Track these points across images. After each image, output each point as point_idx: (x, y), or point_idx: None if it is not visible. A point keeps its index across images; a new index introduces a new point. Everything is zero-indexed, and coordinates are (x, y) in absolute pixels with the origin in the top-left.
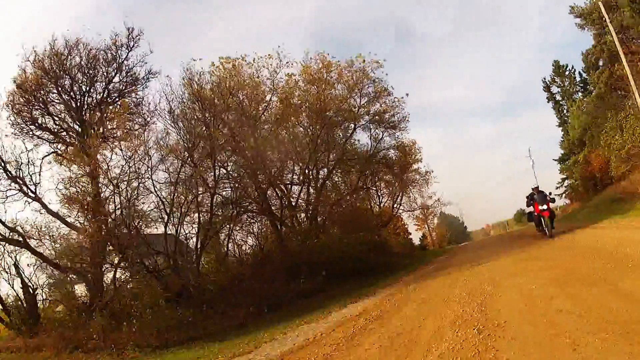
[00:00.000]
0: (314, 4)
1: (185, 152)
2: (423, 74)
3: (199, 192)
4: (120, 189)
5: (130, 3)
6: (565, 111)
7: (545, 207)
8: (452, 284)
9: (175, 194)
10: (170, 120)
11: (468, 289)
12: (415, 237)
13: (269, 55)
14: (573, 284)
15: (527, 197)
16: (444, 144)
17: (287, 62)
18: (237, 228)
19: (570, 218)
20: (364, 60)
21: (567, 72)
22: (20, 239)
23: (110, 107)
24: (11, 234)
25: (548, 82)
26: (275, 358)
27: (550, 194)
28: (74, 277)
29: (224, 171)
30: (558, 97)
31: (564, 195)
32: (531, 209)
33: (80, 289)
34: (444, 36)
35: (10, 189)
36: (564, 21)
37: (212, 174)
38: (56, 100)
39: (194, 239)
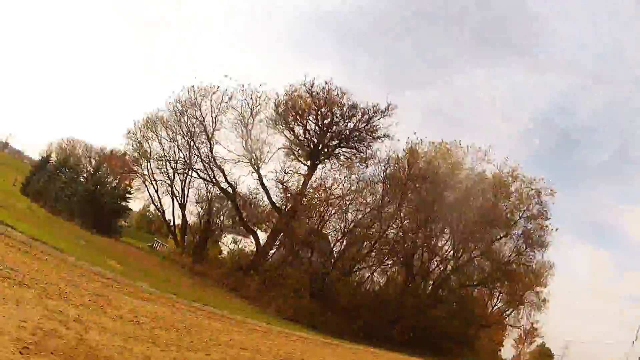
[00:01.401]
0: None
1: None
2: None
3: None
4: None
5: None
6: None
7: None
8: None
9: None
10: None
11: None
12: (508, 353)
13: (478, 148)
14: None
15: None
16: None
17: (486, 158)
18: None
19: None
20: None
21: None
22: (231, 192)
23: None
24: (228, 187)
25: None
26: None
27: None
28: (249, 238)
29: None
30: None
31: None
32: None
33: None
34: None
35: (243, 157)
36: None
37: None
38: (310, 119)
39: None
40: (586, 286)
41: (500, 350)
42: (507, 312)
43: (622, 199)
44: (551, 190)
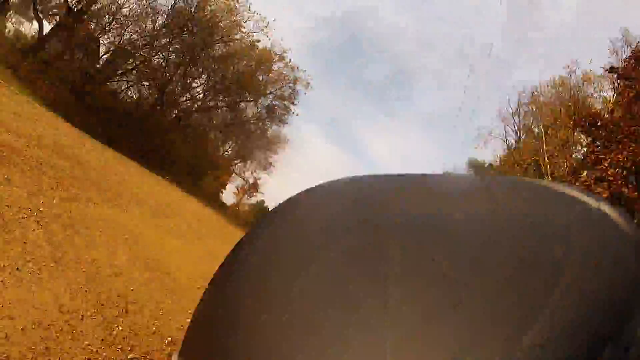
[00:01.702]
0: None
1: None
2: None
3: None
4: None
5: None
6: None
7: None
8: None
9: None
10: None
11: None
12: (228, 199)
13: (263, 17)
14: None
15: None
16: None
17: (265, 30)
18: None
19: None
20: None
21: None
22: None
23: None
24: None
25: None
26: None
27: None
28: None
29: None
30: None
31: None
32: None
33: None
34: None
35: None
36: None
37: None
38: None
39: None
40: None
41: (222, 192)
42: (235, 162)
43: (372, 116)
44: (307, 83)
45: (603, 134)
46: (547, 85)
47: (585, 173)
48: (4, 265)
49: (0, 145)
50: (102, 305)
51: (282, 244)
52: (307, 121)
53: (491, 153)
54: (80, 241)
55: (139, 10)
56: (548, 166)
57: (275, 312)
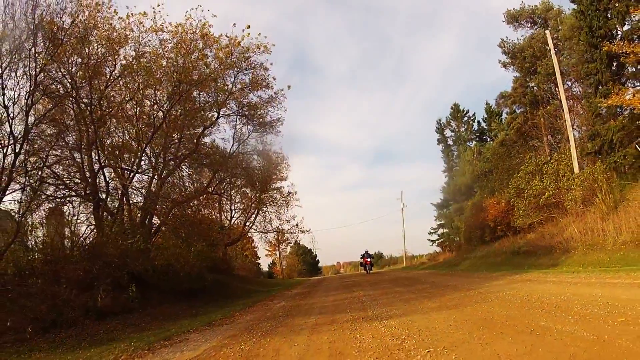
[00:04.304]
0: None
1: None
2: (309, 104)
3: None
4: None
5: None
6: (454, 157)
7: (368, 259)
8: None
9: None
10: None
11: None
12: (264, 263)
13: (143, 12)
14: None
15: (361, 255)
16: (312, 176)
17: (161, 24)
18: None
19: (449, 267)
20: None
21: (465, 118)
22: None
23: None
24: None
25: (443, 124)
26: None
27: (368, 253)
28: None
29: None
30: (450, 142)
31: (436, 243)
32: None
33: None
34: (340, 75)
35: None
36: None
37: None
38: None
39: None
40: (306, 185)
41: (258, 264)
42: (250, 221)
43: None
44: (265, 46)
45: None
46: None
47: None
48: None
49: None
50: None
51: None
52: None
53: None
54: None
55: None
56: None
57: None
